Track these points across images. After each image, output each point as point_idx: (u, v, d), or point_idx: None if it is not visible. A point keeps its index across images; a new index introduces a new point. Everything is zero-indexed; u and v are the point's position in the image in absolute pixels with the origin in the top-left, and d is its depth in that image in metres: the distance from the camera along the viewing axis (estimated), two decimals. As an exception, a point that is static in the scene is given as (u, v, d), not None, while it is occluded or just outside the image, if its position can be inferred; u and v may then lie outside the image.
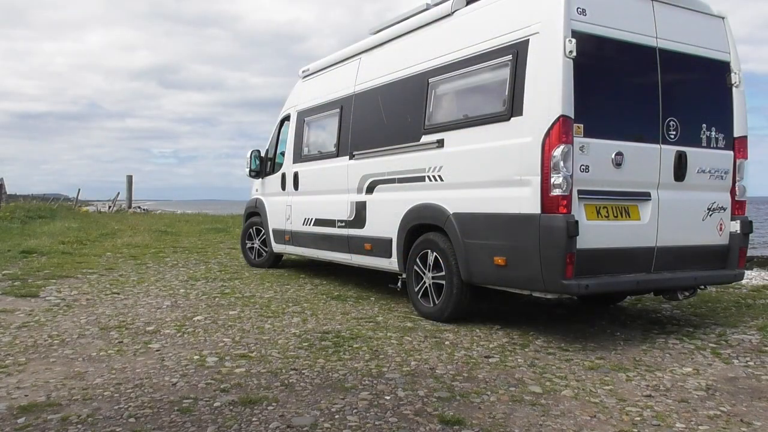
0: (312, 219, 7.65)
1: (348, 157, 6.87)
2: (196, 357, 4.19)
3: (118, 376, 3.76)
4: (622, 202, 4.73)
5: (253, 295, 6.71)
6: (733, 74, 5.29)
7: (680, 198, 5.00)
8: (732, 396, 3.56)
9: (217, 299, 6.39)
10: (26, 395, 3.40)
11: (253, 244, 9.34)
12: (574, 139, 4.40)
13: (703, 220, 5.16)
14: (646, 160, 4.82)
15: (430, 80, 5.69)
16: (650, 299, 6.59)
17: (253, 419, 3.09)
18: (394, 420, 3.10)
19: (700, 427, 3.09)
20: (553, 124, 4.36)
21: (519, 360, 4.22)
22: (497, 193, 4.80)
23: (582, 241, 4.39)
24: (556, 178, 4.35)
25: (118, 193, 35.67)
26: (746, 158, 5.39)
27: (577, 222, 4.36)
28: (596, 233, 4.54)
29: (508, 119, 4.74)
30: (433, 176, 5.53)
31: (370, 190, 6.48)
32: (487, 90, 5.19)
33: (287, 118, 8.65)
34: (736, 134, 5.35)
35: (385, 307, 6.13)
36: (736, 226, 5.31)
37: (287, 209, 8.26)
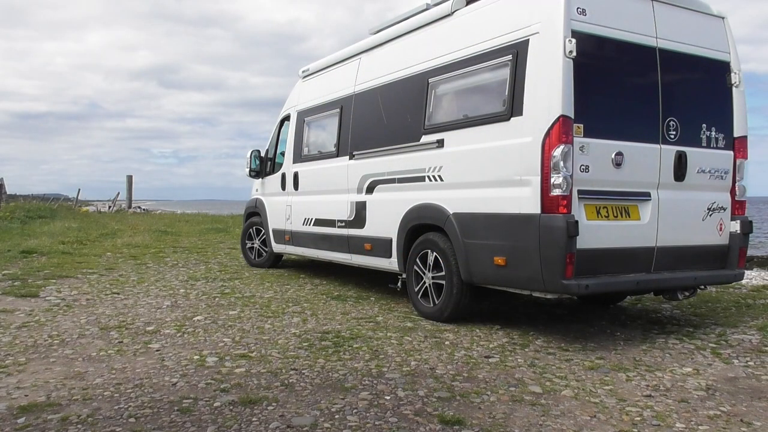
0: (312, 219, 7.65)
1: (348, 157, 6.87)
2: (196, 357, 4.19)
3: (118, 376, 3.76)
4: (622, 202, 4.73)
5: (253, 295, 6.71)
6: (733, 74, 5.29)
7: (680, 198, 5.00)
8: (732, 396, 3.56)
9: (217, 299, 6.40)
10: (26, 395, 3.40)
11: (253, 244, 9.34)
12: (574, 139, 4.40)
13: (703, 220, 5.16)
14: (646, 160, 4.82)
15: (430, 80, 5.69)
16: (650, 299, 6.59)
17: (253, 419, 3.09)
18: (394, 420, 3.11)
19: (700, 427, 3.09)
20: (553, 124, 4.36)
21: (519, 360, 4.22)
22: (497, 193, 4.80)
23: (582, 241, 4.39)
24: (556, 178, 4.35)
25: (118, 193, 35.73)
26: (746, 158, 5.39)
27: (577, 222, 4.36)
28: (596, 233, 4.54)
29: (508, 119, 4.74)
30: (433, 176, 5.53)
31: (370, 190, 6.48)
32: (487, 90, 5.19)
33: (287, 118, 8.65)
34: (736, 134, 5.35)
35: (385, 307, 6.13)
36: (736, 226, 5.31)
37: (287, 209, 8.26)
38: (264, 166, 9.10)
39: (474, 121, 5.17)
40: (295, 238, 8.12)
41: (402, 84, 6.13)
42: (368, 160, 6.53)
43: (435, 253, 5.47)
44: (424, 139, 5.68)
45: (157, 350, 4.36)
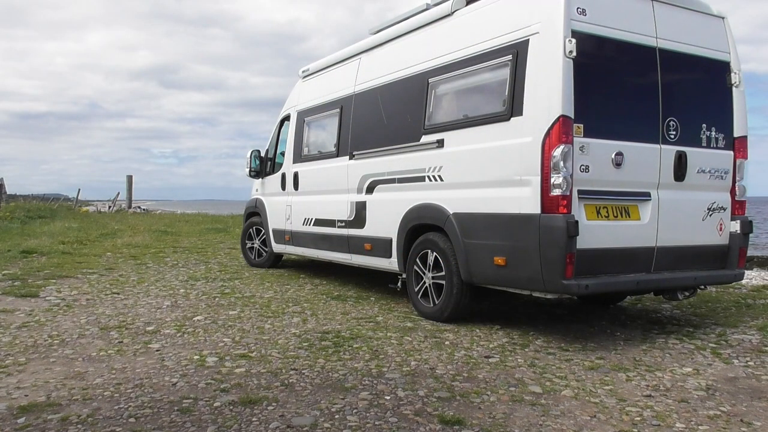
0: (312, 219, 7.65)
1: (348, 157, 6.87)
2: (196, 357, 4.19)
3: (118, 376, 3.76)
4: (622, 202, 4.73)
5: (253, 295, 6.71)
6: (733, 74, 5.29)
7: (680, 198, 5.00)
8: (732, 396, 3.56)
9: (217, 299, 6.40)
10: (26, 395, 3.40)
11: (253, 244, 9.34)
12: (574, 139, 4.40)
13: (703, 220, 5.16)
14: (646, 160, 4.82)
15: (430, 80, 5.69)
16: (650, 299, 6.59)
17: (253, 419, 3.09)
18: (394, 420, 3.10)
19: (700, 427, 3.09)
20: (553, 124, 4.36)
21: (519, 360, 4.22)
22: (497, 193, 4.80)
23: (582, 241, 4.39)
24: (556, 178, 4.35)
25: (118, 193, 35.75)
26: (746, 158, 5.39)
27: (577, 222, 4.36)
28: (596, 233, 4.54)
29: (508, 119, 4.74)
30: (433, 176, 5.53)
31: (370, 190, 6.48)
32: (487, 90, 5.19)
33: (287, 118, 8.65)
34: (736, 134, 5.35)
35: (385, 307, 6.13)
36: (736, 226, 5.30)
37: (287, 209, 8.26)
38: (264, 166, 9.10)
39: (474, 121, 5.17)
40: (295, 238, 8.12)
41: (402, 84, 6.13)
42: (368, 160, 6.53)
43: (435, 253, 5.47)
44: (424, 139, 5.68)
45: (157, 350, 4.36)
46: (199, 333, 4.89)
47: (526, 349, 4.51)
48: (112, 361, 4.10)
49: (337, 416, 3.14)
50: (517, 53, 4.71)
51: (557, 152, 4.34)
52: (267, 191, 9.01)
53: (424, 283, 5.62)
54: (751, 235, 5.50)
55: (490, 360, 4.21)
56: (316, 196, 7.65)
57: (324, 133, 7.75)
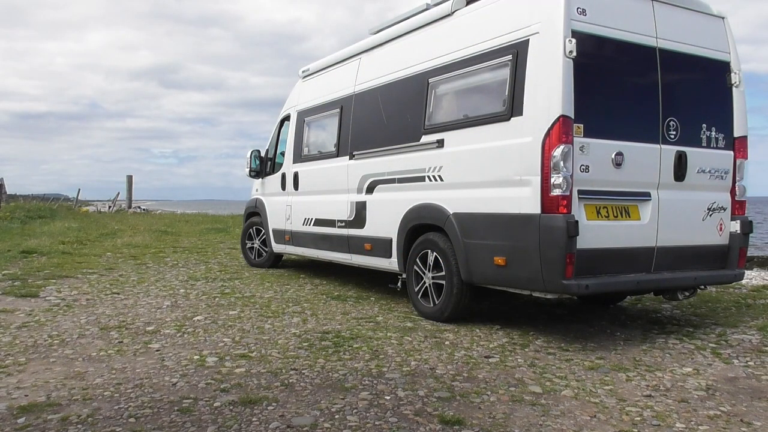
0: (312, 219, 7.65)
1: (348, 157, 6.87)
2: (196, 357, 4.19)
3: (118, 376, 3.76)
4: (622, 202, 4.73)
5: (253, 295, 6.71)
6: (733, 74, 5.29)
7: (680, 198, 5.00)
8: (732, 396, 3.56)
9: (217, 299, 6.39)
10: (26, 395, 3.40)
11: (253, 244, 9.34)
12: (574, 139, 4.40)
13: (703, 220, 5.16)
14: (646, 160, 4.82)
15: (430, 80, 5.69)
16: (650, 299, 6.59)
17: (253, 419, 3.09)
18: (394, 420, 3.11)
19: (700, 427, 3.09)
20: (553, 124, 4.36)
21: (519, 360, 4.22)
22: (497, 193, 4.80)
23: (582, 241, 4.39)
24: (556, 178, 4.35)
25: (118, 193, 35.75)
26: (746, 158, 5.39)
27: (577, 222, 4.36)
28: (596, 233, 4.54)
29: (508, 119, 4.74)
30: (433, 176, 5.53)
31: (370, 190, 6.48)
32: (487, 90, 5.19)
33: (287, 118, 8.65)
34: (736, 134, 5.35)
35: (385, 307, 6.13)
36: (736, 226, 5.30)
37: (287, 209, 8.26)
38: (264, 166, 9.10)
39: (474, 121, 5.17)
40: (295, 238, 8.12)
41: (402, 84, 6.13)
42: (368, 160, 6.53)
43: (435, 253, 5.47)
44: (424, 139, 5.68)
45: (157, 350, 4.36)
46: (199, 333, 4.89)
47: (526, 349, 4.51)
48: (112, 361, 4.10)
49: (337, 416, 3.14)
50: (517, 53, 4.71)
51: (557, 152, 4.34)
52: (267, 191, 9.01)
53: (424, 283, 5.62)
54: (751, 235, 5.51)
55: (490, 360, 4.21)
56: (316, 196, 7.65)
57: (324, 133, 7.75)
